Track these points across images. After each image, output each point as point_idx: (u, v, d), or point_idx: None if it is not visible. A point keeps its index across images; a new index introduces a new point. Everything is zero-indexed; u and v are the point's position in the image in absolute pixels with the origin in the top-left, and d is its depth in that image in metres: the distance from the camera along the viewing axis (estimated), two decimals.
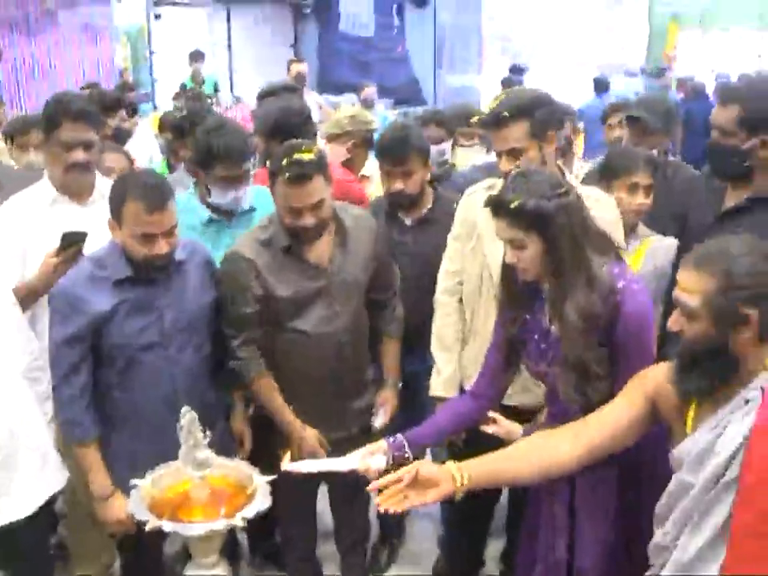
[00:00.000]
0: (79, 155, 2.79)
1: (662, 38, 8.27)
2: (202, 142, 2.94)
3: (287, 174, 2.51)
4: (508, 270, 2.15)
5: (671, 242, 2.93)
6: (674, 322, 1.79)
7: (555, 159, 2.68)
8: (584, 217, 2.05)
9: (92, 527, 2.79)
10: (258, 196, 3.09)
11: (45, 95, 8.98)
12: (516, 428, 2.29)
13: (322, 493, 3.10)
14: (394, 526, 3.69)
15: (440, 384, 2.87)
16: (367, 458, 2.17)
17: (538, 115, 2.52)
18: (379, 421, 2.88)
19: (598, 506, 2.17)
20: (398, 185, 3.06)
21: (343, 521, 3.16)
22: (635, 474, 2.13)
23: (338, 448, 2.83)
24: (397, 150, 3.04)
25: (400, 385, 2.96)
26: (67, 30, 9.44)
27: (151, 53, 10.63)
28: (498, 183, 2.70)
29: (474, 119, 2.69)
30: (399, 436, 2.26)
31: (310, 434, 2.76)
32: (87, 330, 2.43)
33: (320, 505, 3.12)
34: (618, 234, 2.63)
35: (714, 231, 2.27)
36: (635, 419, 1.92)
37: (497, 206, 2.03)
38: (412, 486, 1.83)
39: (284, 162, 2.53)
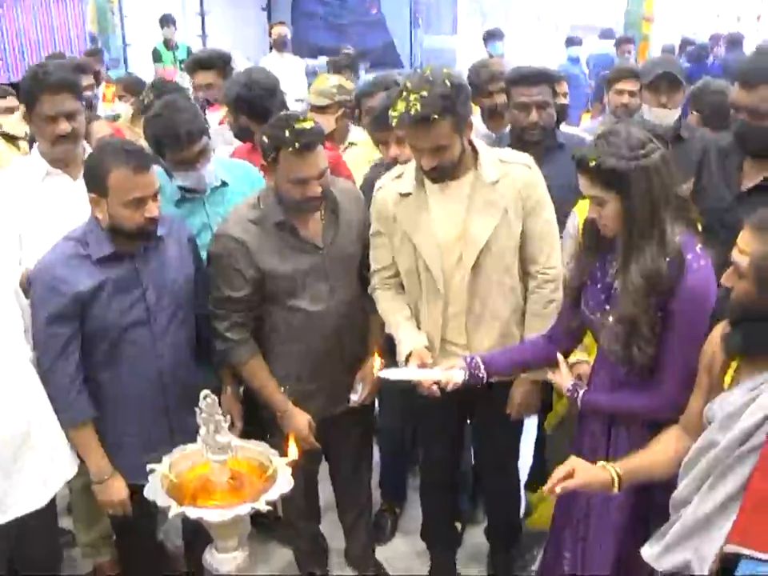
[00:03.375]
0: (64, 126, 2.71)
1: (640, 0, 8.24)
2: (148, 130, 2.87)
3: (296, 145, 2.46)
4: (590, 222, 2.20)
5: None
6: (727, 278, 1.83)
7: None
8: (665, 181, 2.05)
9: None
10: (229, 169, 3.03)
11: (16, 64, 8.85)
12: (567, 380, 2.36)
13: (323, 466, 3.11)
14: (395, 495, 3.70)
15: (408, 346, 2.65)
16: (447, 372, 2.41)
17: (460, 109, 2.43)
18: (355, 397, 2.85)
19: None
20: (393, 151, 2.96)
21: (346, 495, 3.17)
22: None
23: (338, 423, 2.85)
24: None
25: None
26: None
27: (122, 17, 10.36)
28: (408, 170, 2.65)
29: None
30: (476, 357, 2.46)
31: (301, 419, 2.74)
32: (72, 310, 2.39)
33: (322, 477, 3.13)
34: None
35: (736, 207, 2.28)
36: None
37: (579, 162, 2.07)
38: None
39: (287, 133, 2.47)
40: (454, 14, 12.82)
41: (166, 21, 9.39)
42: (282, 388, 2.75)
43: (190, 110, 2.87)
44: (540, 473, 3.36)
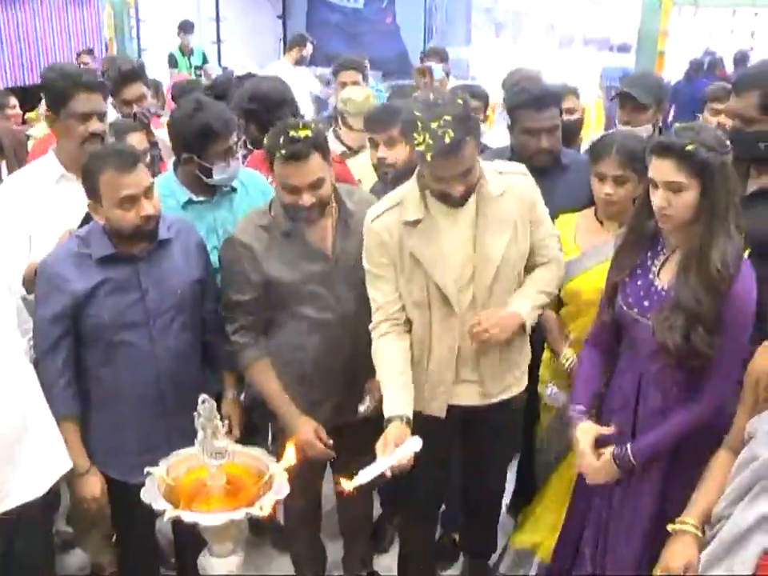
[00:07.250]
0: (97, 125, 2.76)
1: (656, 14, 8.22)
2: (178, 125, 2.87)
3: (283, 152, 2.48)
4: (645, 212, 2.24)
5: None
6: None
7: None
8: (733, 183, 2.13)
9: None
10: (239, 177, 3.04)
11: (31, 67, 8.92)
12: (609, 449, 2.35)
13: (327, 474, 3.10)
14: (394, 504, 3.69)
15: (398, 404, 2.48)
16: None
17: (476, 127, 2.38)
18: (363, 407, 2.83)
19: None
20: (381, 152, 3.05)
21: (347, 505, 3.16)
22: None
23: (345, 433, 2.82)
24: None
25: None
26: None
27: (139, 21, 10.42)
28: (408, 197, 2.51)
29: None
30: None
31: (307, 427, 2.69)
32: (69, 309, 2.43)
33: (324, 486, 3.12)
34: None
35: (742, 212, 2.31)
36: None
37: (666, 147, 2.10)
38: None
39: (281, 140, 2.49)
40: (467, 25, 12.82)
41: (185, 27, 9.44)
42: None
43: (219, 106, 2.94)
44: (525, 490, 3.38)
